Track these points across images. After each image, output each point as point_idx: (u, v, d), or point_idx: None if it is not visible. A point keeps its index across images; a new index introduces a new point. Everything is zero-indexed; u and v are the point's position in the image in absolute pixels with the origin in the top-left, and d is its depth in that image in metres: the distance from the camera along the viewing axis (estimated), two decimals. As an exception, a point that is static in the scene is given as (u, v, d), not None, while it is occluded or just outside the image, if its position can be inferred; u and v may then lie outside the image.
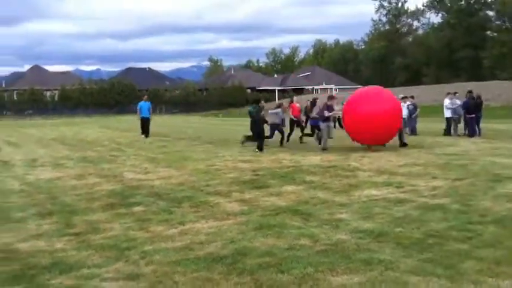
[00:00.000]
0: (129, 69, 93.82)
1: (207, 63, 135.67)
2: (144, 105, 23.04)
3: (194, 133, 25.98)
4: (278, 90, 60.35)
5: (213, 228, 6.55)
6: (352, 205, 7.66)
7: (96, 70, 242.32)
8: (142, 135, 22.40)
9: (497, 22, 72.10)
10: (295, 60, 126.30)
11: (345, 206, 7.63)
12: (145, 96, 24.35)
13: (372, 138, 14.99)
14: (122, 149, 17.98)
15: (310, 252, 5.42)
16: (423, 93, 42.97)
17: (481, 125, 19.81)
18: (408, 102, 21.63)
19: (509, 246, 5.35)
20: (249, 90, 78.23)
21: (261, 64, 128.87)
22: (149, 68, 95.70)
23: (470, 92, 20.32)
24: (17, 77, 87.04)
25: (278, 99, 47.12)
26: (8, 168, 13.23)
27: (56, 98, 70.59)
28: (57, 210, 7.94)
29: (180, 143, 19.71)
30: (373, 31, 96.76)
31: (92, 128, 33.72)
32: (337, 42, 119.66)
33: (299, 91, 75.48)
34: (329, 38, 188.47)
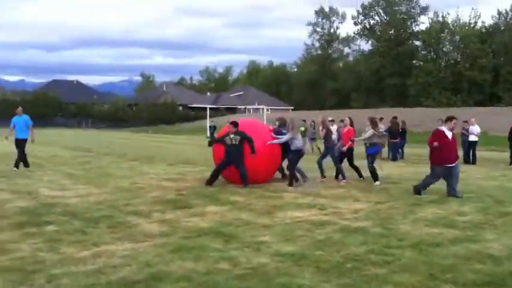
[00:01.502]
0: (55, 82, 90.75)
1: (138, 78, 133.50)
2: (18, 121, 15.52)
3: (120, 149, 25.24)
4: (210, 108, 60.56)
5: (129, 250, 6.22)
6: (275, 227, 7.56)
7: (20, 81, 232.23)
8: (14, 168, 15.00)
9: (423, 52, 75.63)
10: (228, 79, 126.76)
11: (268, 228, 7.52)
12: (19, 109, 15.92)
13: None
14: (41, 163, 17.14)
15: (228, 277, 5.23)
16: (352, 117, 44.17)
17: (405, 149, 20.61)
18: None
19: (425, 272, 5.40)
20: (180, 108, 77.65)
21: (194, 82, 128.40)
22: (77, 81, 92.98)
23: (395, 117, 21.09)
24: None
25: (210, 117, 46.86)
26: None
27: (-26, 108, 66.88)
28: (-41, 228, 7.32)
29: (103, 159, 19.03)
30: (305, 55, 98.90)
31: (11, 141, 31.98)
32: (270, 64, 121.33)
33: (232, 110, 75.79)
34: (263, 60, 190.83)
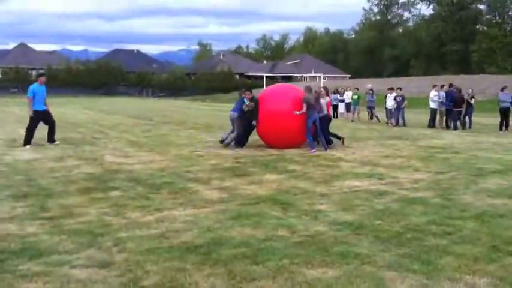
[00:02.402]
0: (116, 51, 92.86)
1: (196, 47, 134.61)
2: (40, 91, 13.45)
3: (179, 118, 25.74)
4: (266, 76, 60.65)
5: (190, 216, 6.42)
6: (332, 196, 7.58)
7: (83, 50, 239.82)
8: (26, 146, 13.12)
9: (488, 16, 72.32)
10: (285, 47, 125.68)
11: (326, 196, 7.55)
12: (43, 79, 13.77)
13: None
14: (105, 131, 17.76)
15: (287, 244, 5.32)
16: (411, 84, 43.11)
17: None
18: (394, 94, 21.66)
19: (488, 243, 5.30)
20: (237, 76, 77.93)
21: (250, 50, 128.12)
22: (137, 50, 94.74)
23: (451, 85, 20.50)
24: (1, 54, 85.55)
25: (266, 85, 46.87)
26: (-14, 148, 12.95)
27: (42, 77, 69.66)
28: (32, 192, 7.74)
29: (164, 127, 19.50)
30: (363, 21, 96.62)
31: (77, 109, 33.30)
32: (327, 31, 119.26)
33: (288, 78, 75.39)
34: (319, 27, 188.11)
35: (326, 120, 13.38)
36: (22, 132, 16.79)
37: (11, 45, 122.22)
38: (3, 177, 9.02)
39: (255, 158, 11.31)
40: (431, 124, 20.25)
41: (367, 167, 10.16)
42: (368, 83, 29.92)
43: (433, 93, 20.46)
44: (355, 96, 24.95)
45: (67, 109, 33.14)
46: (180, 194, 7.70)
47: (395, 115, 21.29)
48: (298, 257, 4.86)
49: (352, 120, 24.35)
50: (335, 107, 27.59)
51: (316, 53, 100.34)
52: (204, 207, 6.86)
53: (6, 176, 9.08)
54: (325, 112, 13.43)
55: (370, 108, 24.21)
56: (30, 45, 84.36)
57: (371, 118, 24.17)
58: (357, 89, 26.13)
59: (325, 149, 12.51)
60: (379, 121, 23.18)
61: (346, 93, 26.79)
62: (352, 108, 25.29)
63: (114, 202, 7.14)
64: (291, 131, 12.54)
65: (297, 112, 12.29)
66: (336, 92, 27.85)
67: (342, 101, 26.84)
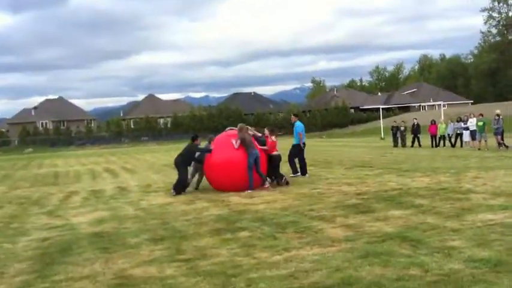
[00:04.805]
0: (235, 95, 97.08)
1: (310, 84, 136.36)
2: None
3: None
4: (382, 108, 59.53)
5: (318, 255, 6.45)
6: (465, 231, 7.21)
7: (204, 97, 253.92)
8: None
9: None
10: (399, 77, 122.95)
11: (458, 232, 7.21)
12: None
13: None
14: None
15: (420, 283, 5.15)
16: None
17: None
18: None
19: None
20: (352, 110, 77.44)
21: (364, 83, 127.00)
22: (254, 93, 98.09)
23: None
24: (133, 106, 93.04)
25: (382, 118, 45.98)
26: (124, 194, 14.07)
27: (169, 124, 74.58)
28: (168, 235, 8.26)
29: (283, 166, 19.77)
30: (482, 43, 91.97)
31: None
32: (443, 57, 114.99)
33: (405, 109, 73.34)
34: (434, 53, 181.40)
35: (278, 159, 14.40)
36: (155, 178, 18.05)
37: (140, 97, 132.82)
38: (141, 221, 9.73)
39: (378, 193, 11.11)
40: None
41: (501, 199, 9.55)
42: (494, 108, 28.19)
43: None
44: (480, 123, 23.58)
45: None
46: (305, 233, 7.77)
47: None
48: (433, 297, 4.70)
49: (479, 149, 23.01)
50: (459, 136, 26.33)
51: (433, 80, 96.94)
52: (331, 246, 6.86)
53: (143, 221, 9.78)
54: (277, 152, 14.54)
55: (497, 135, 22.75)
56: (157, 95, 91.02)
57: (500, 145, 22.67)
58: (482, 115, 24.65)
59: (251, 188, 12.77)
60: (507, 147, 21.66)
61: (470, 120, 25.45)
62: (478, 135, 23.91)
63: (243, 242, 7.39)
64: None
65: (233, 140, 13.36)
66: (459, 120, 26.61)
67: (466, 128, 25.52)
